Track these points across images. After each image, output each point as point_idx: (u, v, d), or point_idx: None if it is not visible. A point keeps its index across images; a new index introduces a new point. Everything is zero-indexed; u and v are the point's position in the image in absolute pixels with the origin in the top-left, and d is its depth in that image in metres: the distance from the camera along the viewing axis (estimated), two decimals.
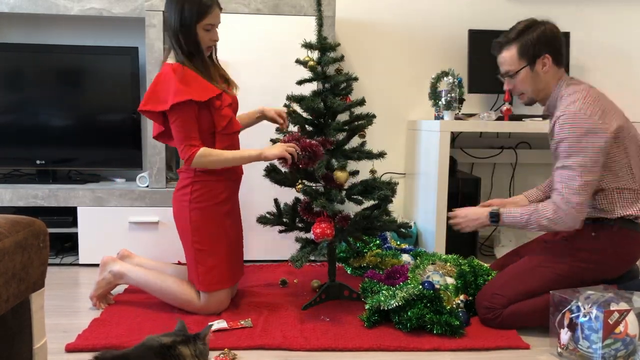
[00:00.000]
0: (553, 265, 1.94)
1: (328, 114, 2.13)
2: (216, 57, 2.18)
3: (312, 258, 2.24)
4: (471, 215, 2.05)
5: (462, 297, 2.08)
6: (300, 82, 2.18)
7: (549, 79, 1.97)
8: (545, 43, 1.93)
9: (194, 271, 2.06)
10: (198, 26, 2.01)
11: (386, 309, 1.94)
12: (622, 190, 1.91)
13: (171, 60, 2.04)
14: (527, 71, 1.96)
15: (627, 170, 1.91)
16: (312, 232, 2.01)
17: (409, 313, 1.91)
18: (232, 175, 2.13)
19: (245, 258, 2.46)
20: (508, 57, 1.98)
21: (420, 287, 1.95)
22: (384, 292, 2.00)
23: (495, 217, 1.99)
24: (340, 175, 2.06)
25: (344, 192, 2.14)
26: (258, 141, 2.60)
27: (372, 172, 2.20)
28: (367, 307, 1.99)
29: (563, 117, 1.85)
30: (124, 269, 2.13)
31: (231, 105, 2.11)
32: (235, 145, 2.17)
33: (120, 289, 2.30)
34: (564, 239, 2.01)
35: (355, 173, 2.28)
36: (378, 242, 2.74)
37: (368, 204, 2.24)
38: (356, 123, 2.16)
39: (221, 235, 2.07)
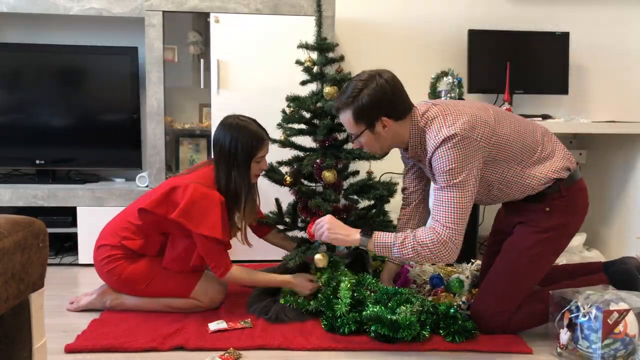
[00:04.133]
0: (537, 259, 1.90)
1: (322, 114, 2.13)
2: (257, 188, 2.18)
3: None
4: (341, 229, 1.87)
5: (464, 298, 2.07)
6: (303, 83, 2.19)
7: (395, 131, 1.84)
8: (379, 106, 1.78)
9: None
10: (252, 160, 2.03)
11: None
12: (528, 165, 1.87)
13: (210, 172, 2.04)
14: (368, 134, 1.84)
15: (520, 145, 1.85)
16: (307, 231, 2.03)
17: (424, 333, 1.83)
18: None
19: (245, 258, 2.46)
20: (346, 121, 1.86)
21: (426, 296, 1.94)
22: (383, 307, 1.85)
23: (366, 234, 1.82)
24: (327, 175, 2.06)
25: (341, 192, 2.14)
26: None
27: (369, 173, 2.20)
28: (364, 313, 1.86)
29: (442, 147, 1.74)
30: (122, 298, 2.11)
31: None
32: None
33: None
34: (526, 225, 1.93)
35: (355, 173, 2.28)
36: None
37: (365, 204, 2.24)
38: None
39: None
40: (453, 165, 1.73)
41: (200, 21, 2.97)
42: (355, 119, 1.82)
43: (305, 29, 2.68)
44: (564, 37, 3.11)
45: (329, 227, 1.86)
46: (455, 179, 1.74)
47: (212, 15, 2.71)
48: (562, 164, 1.90)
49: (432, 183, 1.93)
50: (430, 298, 2.07)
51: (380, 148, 1.91)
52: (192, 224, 1.93)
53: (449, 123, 1.76)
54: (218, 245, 1.97)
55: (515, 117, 1.96)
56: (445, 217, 1.75)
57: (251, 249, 2.72)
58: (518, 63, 3.02)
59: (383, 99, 1.79)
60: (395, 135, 1.86)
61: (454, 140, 1.73)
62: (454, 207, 1.75)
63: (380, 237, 1.80)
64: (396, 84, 1.82)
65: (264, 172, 2.23)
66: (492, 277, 1.96)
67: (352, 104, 1.80)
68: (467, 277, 2.23)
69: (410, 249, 1.76)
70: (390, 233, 1.83)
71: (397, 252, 1.78)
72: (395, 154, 2.08)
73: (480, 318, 1.92)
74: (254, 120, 2.09)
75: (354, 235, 1.84)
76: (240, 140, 2.00)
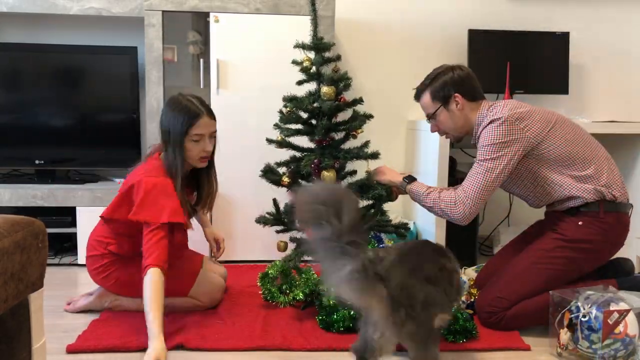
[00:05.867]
0: (551, 261, 1.95)
1: (320, 114, 2.13)
2: (214, 170, 2.12)
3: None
4: (389, 172, 2.16)
5: (463, 298, 2.07)
6: (300, 83, 2.18)
7: (467, 114, 2.05)
8: (453, 84, 2.03)
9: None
10: (186, 139, 1.93)
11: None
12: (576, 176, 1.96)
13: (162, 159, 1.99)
14: (443, 111, 2.07)
15: (566, 154, 1.96)
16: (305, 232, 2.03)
17: None
18: None
19: (244, 258, 2.46)
20: (425, 102, 2.11)
21: None
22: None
23: (408, 179, 2.08)
24: (327, 175, 2.06)
25: None
26: (256, 141, 2.60)
27: (368, 172, 2.19)
28: (353, 313, 1.86)
29: (490, 125, 1.95)
30: (121, 300, 2.10)
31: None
32: None
33: None
34: (553, 231, 2.01)
35: (353, 173, 2.28)
36: (373, 242, 2.72)
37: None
38: (352, 123, 2.15)
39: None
40: (493, 142, 1.92)
41: (200, 21, 2.97)
42: (432, 98, 2.07)
43: (305, 28, 2.66)
44: (564, 37, 3.11)
45: (382, 172, 2.16)
46: (490, 156, 1.93)
47: (211, 15, 2.71)
48: (603, 187, 1.94)
49: None
50: None
51: (454, 129, 2.10)
52: (149, 217, 1.84)
53: (502, 109, 1.97)
54: (164, 238, 1.85)
55: (579, 132, 2.03)
56: (469, 185, 1.95)
57: (249, 250, 2.74)
58: (518, 63, 3.02)
59: (457, 80, 2.04)
60: (467, 118, 2.06)
61: (499, 122, 1.93)
62: (479, 180, 1.94)
63: (415, 186, 2.06)
64: (470, 73, 2.09)
65: (261, 173, 2.22)
66: (511, 265, 2.03)
67: (429, 85, 2.07)
68: (470, 279, 2.23)
69: (431, 201, 2.00)
70: (425, 185, 2.06)
71: (422, 201, 2.03)
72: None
73: (483, 299, 1.99)
74: (198, 98, 1.99)
75: (397, 178, 2.11)
76: (173, 117, 1.93)
